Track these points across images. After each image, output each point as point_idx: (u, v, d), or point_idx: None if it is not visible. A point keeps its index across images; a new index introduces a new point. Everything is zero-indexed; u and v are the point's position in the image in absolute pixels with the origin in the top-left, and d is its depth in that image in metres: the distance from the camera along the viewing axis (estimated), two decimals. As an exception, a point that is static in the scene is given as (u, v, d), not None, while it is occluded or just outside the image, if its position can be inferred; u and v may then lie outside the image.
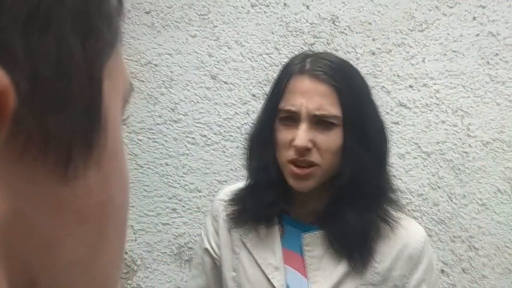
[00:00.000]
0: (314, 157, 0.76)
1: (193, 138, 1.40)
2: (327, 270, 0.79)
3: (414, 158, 1.37)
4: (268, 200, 0.81)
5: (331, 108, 0.76)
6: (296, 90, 0.77)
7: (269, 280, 0.80)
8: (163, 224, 1.39)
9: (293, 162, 0.76)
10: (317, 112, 0.75)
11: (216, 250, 0.88)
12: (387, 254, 0.80)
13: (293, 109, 0.76)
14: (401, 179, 1.37)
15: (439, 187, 1.36)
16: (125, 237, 0.19)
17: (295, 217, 0.84)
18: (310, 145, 0.75)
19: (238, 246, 0.85)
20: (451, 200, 1.36)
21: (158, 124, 1.40)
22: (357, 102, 0.78)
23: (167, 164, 1.40)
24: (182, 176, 1.40)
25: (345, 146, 0.77)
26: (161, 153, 1.40)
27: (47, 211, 0.14)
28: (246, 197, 0.85)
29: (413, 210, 1.37)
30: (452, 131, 1.36)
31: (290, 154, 0.76)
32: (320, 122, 0.76)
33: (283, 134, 0.78)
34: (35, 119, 0.13)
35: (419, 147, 1.37)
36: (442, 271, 1.36)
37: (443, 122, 1.36)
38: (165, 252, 1.39)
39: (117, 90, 0.17)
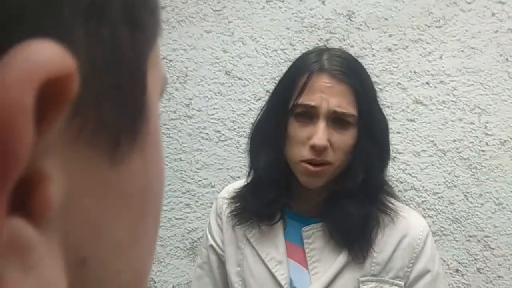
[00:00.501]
0: (329, 156, 0.76)
1: (207, 133, 1.41)
2: (328, 261, 0.80)
3: (430, 156, 1.35)
4: (270, 199, 0.82)
5: (349, 107, 0.76)
6: (316, 87, 0.76)
7: (272, 274, 0.81)
8: (177, 218, 1.40)
9: (308, 161, 0.76)
10: (338, 109, 0.75)
11: (221, 246, 0.89)
12: (386, 244, 0.80)
13: (312, 103, 0.75)
14: (416, 177, 1.35)
15: (455, 186, 1.35)
16: (159, 225, 0.20)
17: (297, 211, 0.85)
18: (328, 144, 0.75)
19: (242, 241, 0.85)
20: (467, 199, 1.35)
21: (172, 119, 1.41)
22: (370, 102, 0.80)
23: (181, 159, 1.40)
24: (195, 172, 1.40)
25: (358, 145, 0.78)
26: (175, 148, 1.41)
27: (96, 194, 0.14)
28: (248, 195, 0.85)
29: (428, 209, 1.35)
30: (469, 129, 1.34)
31: (305, 153, 0.76)
32: (336, 120, 0.76)
33: (298, 131, 0.77)
34: (91, 104, 0.13)
35: (435, 144, 1.35)
36: (457, 270, 1.35)
37: (460, 119, 1.35)
38: (178, 247, 1.40)
39: (156, 81, 0.18)
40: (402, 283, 0.80)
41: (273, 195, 0.81)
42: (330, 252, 0.80)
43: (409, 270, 0.80)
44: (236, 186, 0.90)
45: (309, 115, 0.77)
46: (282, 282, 0.80)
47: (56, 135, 0.12)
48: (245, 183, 0.87)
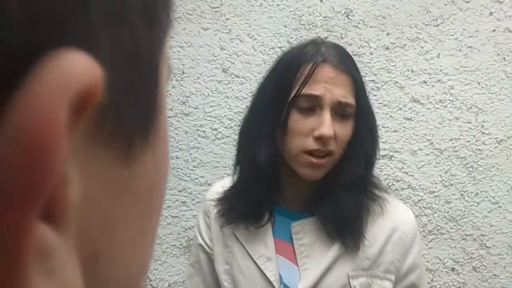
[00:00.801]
0: (333, 146, 0.76)
1: (204, 131, 1.40)
2: (317, 257, 0.79)
3: (427, 154, 1.35)
4: (258, 197, 0.81)
5: (351, 98, 0.77)
6: (319, 78, 0.75)
7: (261, 271, 0.80)
8: (173, 216, 1.39)
9: (311, 153, 0.75)
10: (342, 99, 0.75)
11: (210, 244, 0.88)
12: (377, 237, 0.80)
13: (317, 93, 0.74)
14: (412, 175, 1.35)
15: (451, 185, 1.35)
16: (159, 218, 0.20)
17: (285, 207, 0.84)
18: (334, 135, 0.75)
19: (231, 239, 0.85)
20: (463, 198, 1.35)
21: (169, 116, 1.40)
22: (365, 93, 0.81)
23: (177, 157, 1.39)
24: (192, 170, 1.40)
25: (356, 136, 0.78)
26: (171, 146, 1.40)
27: (110, 192, 0.15)
28: (236, 196, 0.84)
29: (425, 207, 1.36)
30: (466, 128, 1.35)
31: (310, 143, 0.75)
32: (339, 111, 0.76)
33: (301, 123, 0.76)
34: (109, 107, 0.13)
35: (431, 143, 1.35)
36: (453, 269, 1.35)
37: (457, 118, 1.35)
38: (174, 245, 1.39)
39: (165, 73, 0.18)
40: (393, 277, 0.79)
41: (262, 195, 0.80)
42: (320, 247, 0.80)
43: (399, 264, 0.80)
44: (223, 185, 0.89)
45: (313, 105, 0.75)
46: (272, 279, 0.79)
47: (75, 139, 0.12)
48: (233, 182, 0.86)
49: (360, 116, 0.78)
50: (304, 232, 0.81)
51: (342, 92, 0.75)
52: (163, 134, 0.18)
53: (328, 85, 0.75)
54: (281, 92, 0.77)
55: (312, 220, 0.81)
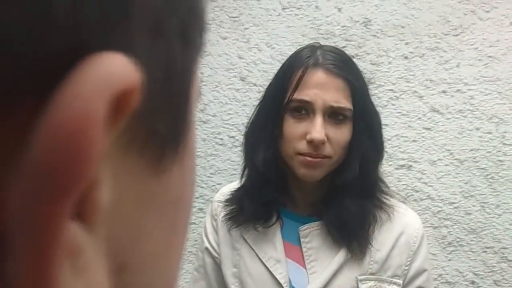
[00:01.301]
0: (327, 150, 0.76)
1: (221, 139, 1.41)
2: (326, 260, 0.79)
3: (446, 165, 1.34)
4: (266, 200, 0.81)
5: (345, 101, 0.76)
6: (311, 82, 0.76)
7: (271, 273, 0.80)
8: (190, 223, 1.40)
9: (305, 155, 0.76)
10: (334, 104, 0.75)
11: (216, 248, 0.88)
12: (384, 242, 0.79)
13: (307, 99, 0.75)
14: (432, 186, 1.34)
15: (471, 196, 1.33)
16: (186, 238, 0.20)
17: (293, 210, 0.84)
18: (325, 138, 0.75)
19: (239, 242, 0.85)
20: (484, 210, 1.32)
21: (187, 124, 1.42)
22: (364, 96, 0.80)
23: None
24: (209, 177, 1.40)
25: (354, 139, 0.78)
26: (189, 153, 1.41)
27: (139, 203, 0.15)
28: (243, 198, 0.84)
29: (444, 219, 1.33)
30: (487, 139, 1.33)
31: (302, 147, 0.76)
32: (333, 115, 0.76)
33: (294, 127, 0.77)
34: (144, 116, 0.14)
35: (451, 154, 1.34)
36: (473, 282, 1.32)
37: (477, 129, 1.33)
38: (191, 251, 1.40)
39: (195, 94, 0.18)
40: (400, 282, 0.79)
41: (269, 197, 0.81)
42: (328, 251, 0.80)
43: (406, 268, 0.80)
44: (231, 187, 0.90)
45: (305, 110, 0.76)
46: (282, 281, 0.79)
47: (111, 143, 0.12)
48: (240, 184, 0.87)
49: (358, 119, 0.78)
50: (312, 236, 0.81)
51: (334, 97, 0.75)
52: (192, 149, 0.18)
53: (320, 90, 0.75)
54: (277, 96, 0.80)
55: (319, 225, 0.82)
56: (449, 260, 1.33)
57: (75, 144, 0.10)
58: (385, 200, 0.82)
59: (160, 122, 0.15)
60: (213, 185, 1.40)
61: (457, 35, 1.34)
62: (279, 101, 0.78)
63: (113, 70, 0.11)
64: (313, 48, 0.81)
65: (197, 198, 1.40)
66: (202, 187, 1.40)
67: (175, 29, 0.15)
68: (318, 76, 0.76)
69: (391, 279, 0.79)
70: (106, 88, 0.11)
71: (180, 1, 0.15)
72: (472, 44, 1.33)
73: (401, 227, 0.81)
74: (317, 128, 0.74)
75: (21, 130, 0.11)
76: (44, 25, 0.11)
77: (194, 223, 1.40)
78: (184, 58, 0.16)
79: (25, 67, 0.11)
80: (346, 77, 0.76)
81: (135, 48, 0.13)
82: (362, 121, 0.78)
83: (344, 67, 0.77)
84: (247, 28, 1.41)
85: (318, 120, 0.74)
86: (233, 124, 1.41)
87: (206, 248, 0.90)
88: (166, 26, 0.14)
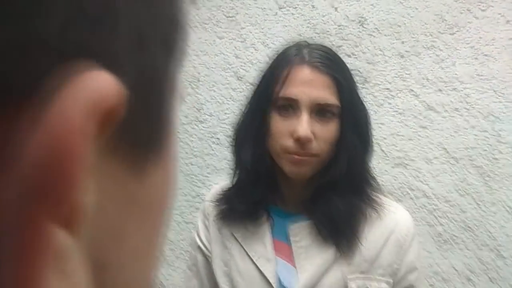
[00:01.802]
0: (314, 148, 0.76)
1: (218, 138, 1.41)
2: (315, 258, 0.79)
3: (442, 163, 1.34)
4: (256, 198, 0.81)
5: (332, 98, 0.76)
6: (297, 80, 0.76)
7: (260, 271, 0.80)
8: (187, 222, 1.41)
9: (292, 153, 0.76)
10: (321, 101, 0.75)
11: (208, 246, 0.89)
12: (374, 241, 0.79)
13: (293, 96, 0.75)
14: (428, 184, 1.34)
15: (467, 194, 1.33)
16: (163, 237, 0.21)
17: (283, 207, 0.84)
18: (312, 136, 0.75)
19: (230, 241, 0.85)
20: (480, 207, 1.33)
21: (184, 123, 1.42)
22: (352, 93, 0.79)
23: (191, 164, 1.41)
24: (206, 176, 1.41)
25: (342, 136, 0.78)
26: (186, 152, 1.42)
27: (122, 206, 0.15)
28: (234, 197, 0.85)
29: (440, 217, 1.34)
30: (482, 137, 1.33)
31: (290, 145, 0.76)
32: (319, 112, 0.76)
33: (281, 124, 0.77)
34: (128, 124, 0.14)
35: (447, 152, 1.34)
36: (469, 279, 1.33)
37: (473, 127, 1.33)
38: (188, 250, 1.40)
39: (177, 97, 0.19)
40: (391, 281, 0.79)
41: (259, 195, 0.81)
42: (318, 249, 0.80)
43: (397, 267, 0.79)
44: (223, 187, 0.90)
45: (291, 108, 0.76)
46: (271, 279, 0.79)
47: (95, 150, 0.13)
48: (231, 184, 0.87)
49: (345, 115, 0.78)
50: (302, 234, 0.81)
51: (320, 94, 0.75)
52: (172, 152, 0.19)
53: (305, 87, 0.75)
54: (264, 94, 0.80)
55: (309, 223, 0.81)
56: (445, 257, 1.34)
57: (63, 163, 0.11)
58: (375, 198, 0.82)
59: (141, 128, 0.15)
60: (210, 184, 1.41)
61: (453, 33, 1.34)
62: (266, 99, 0.78)
63: (102, 92, 0.12)
64: (299, 46, 0.81)
65: (193, 197, 1.41)
66: (199, 186, 1.41)
67: (157, 39, 0.15)
68: (304, 73, 0.76)
69: (381, 278, 0.79)
70: (96, 107, 0.12)
71: (162, 11, 0.16)
72: (468, 43, 1.34)
73: (392, 225, 0.81)
74: (304, 126, 0.73)
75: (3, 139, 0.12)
76: (33, 42, 0.11)
77: (191, 222, 1.41)
78: (166, 66, 0.16)
79: (8, 80, 0.11)
80: (333, 74, 0.76)
81: (121, 63, 0.13)
82: (350, 118, 0.78)
83: (330, 64, 0.77)
84: (243, 28, 1.41)
85: (304, 117, 0.74)
86: (230, 124, 1.41)
87: (198, 247, 0.91)
88: (150, 38, 0.15)
